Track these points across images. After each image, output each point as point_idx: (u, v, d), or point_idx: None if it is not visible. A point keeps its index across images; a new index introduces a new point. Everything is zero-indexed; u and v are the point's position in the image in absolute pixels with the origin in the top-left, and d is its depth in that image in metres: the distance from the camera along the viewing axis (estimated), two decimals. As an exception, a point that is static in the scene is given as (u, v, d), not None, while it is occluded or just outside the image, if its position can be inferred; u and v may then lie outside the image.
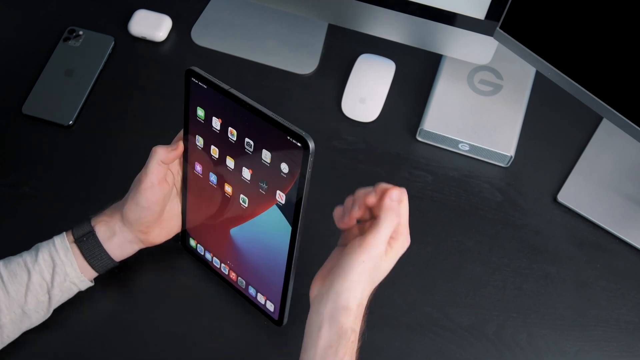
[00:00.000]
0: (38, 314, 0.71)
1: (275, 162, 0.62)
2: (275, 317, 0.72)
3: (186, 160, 0.72)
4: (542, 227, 0.85)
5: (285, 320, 0.72)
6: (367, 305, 0.63)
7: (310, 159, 0.59)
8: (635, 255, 0.84)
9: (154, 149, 0.69)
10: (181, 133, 0.71)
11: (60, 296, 0.72)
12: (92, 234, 0.71)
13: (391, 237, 0.63)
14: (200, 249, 0.77)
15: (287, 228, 0.64)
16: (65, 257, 0.70)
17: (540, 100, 0.93)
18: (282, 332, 0.72)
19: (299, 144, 0.59)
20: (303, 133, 0.59)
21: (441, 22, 0.84)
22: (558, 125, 0.92)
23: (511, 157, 0.87)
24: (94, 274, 0.73)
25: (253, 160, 0.64)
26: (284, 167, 0.62)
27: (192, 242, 0.78)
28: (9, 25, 1.00)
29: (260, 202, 0.66)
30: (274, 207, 0.65)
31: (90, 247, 0.71)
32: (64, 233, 0.72)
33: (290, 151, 0.60)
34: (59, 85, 0.93)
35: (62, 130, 0.91)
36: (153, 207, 0.70)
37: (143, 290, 0.80)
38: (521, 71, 0.93)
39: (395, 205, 0.62)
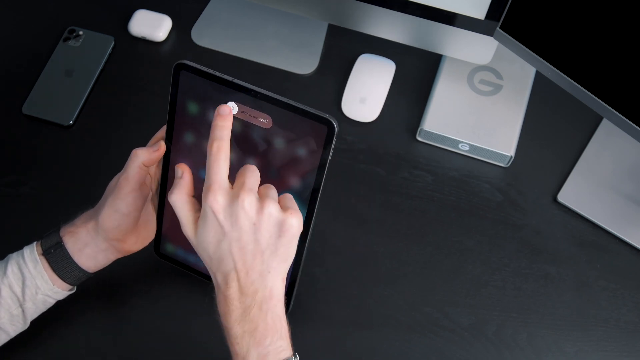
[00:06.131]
0: (15, 327, 0.68)
1: (291, 148, 0.60)
2: None
3: (167, 161, 0.67)
4: (542, 227, 0.85)
5: (290, 308, 0.68)
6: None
7: (335, 140, 0.58)
8: (635, 255, 0.84)
9: (133, 151, 0.64)
10: (159, 133, 0.67)
11: (35, 309, 0.67)
12: (59, 245, 0.66)
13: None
14: (181, 252, 0.71)
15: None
16: (34, 270, 0.66)
17: (540, 100, 0.93)
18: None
19: (322, 127, 0.58)
20: (327, 115, 0.57)
21: (441, 22, 0.84)
22: (558, 125, 0.92)
23: (511, 157, 0.87)
24: (69, 286, 0.68)
25: (260, 149, 0.61)
26: (302, 152, 0.59)
27: (170, 247, 0.71)
28: (9, 25, 1.00)
29: None
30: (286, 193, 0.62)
31: (58, 260, 0.66)
32: (34, 243, 0.68)
33: (311, 135, 0.58)
34: (59, 85, 0.93)
35: (62, 130, 0.91)
36: (133, 213, 0.66)
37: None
38: (521, 71, 0.93)
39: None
